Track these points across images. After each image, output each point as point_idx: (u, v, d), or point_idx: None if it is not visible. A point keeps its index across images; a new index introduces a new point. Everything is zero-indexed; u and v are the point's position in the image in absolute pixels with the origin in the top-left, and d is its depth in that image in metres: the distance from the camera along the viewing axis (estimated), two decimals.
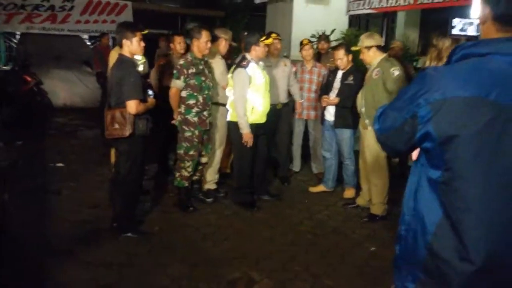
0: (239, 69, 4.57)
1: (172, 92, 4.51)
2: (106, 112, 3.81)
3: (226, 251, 3.81)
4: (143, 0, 12.04)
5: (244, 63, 4.59)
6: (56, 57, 10.58)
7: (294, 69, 5.71)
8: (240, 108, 4.54)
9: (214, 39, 4.84)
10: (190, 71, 4.42)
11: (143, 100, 3.80)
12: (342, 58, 4.95)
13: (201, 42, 4.45)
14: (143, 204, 4.54)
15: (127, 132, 3.70)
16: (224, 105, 4.93)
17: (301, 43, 5.79)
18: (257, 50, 4.62)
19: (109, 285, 3.22)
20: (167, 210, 4.64)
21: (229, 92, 4.77)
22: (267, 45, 4.91)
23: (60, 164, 5.95)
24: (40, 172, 5.58)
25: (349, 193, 5.20)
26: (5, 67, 11.94)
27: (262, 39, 4.68)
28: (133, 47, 3.81)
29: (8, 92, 9.45)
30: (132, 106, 3.67)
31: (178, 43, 5.64)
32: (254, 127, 4.69)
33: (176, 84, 4.46)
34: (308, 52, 5.71)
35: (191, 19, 12.75)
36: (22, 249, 3.61)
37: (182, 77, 4.41)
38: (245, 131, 4.57)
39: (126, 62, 3.79)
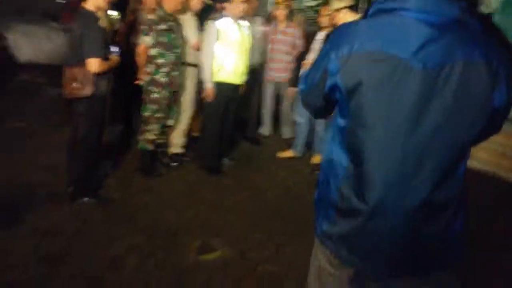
0: (209, 22, 4.39)
1: (140, 49, 4.23)
2: (66, 69, 3.53)
3: (187, 220, 3.67)
4: None
5: (216, 16, 4.36)
6: (20, 10, 9.99)
7: (266, 29, 5.49)
8: (204, 62, 4.38)
9: None
10: (160, 27, 4.15)
11: (105, 58, 3.54)
12: (329, 15, 4.65)
13: None
14: (104, 168, 4.34)
15: (88, 91, 3.46)
16: (194, 65, 4.70)
17: (275, 2, 5.52)
18: (230, 8, 4.39)
19: (53, 256, 2.99)
20: (129, 175, 4.44)
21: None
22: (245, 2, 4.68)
23: (20, 124, 5.65)
24: None
25: (317, 159, 5.09)
26: None
27: None
28: (98, 0, 3.49)
29: None
30: (93, 64, 3.41)
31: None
32: (225, 88, 4.50)
33: (145, 40, 4.18)
34: (282, 12, 5.46)
35: None
36: None
37: (151, 34, 4.14)
38: (206, 86, 4.42)
39: (88, 17, 3.47)
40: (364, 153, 1.34)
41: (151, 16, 4.22)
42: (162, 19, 4.17)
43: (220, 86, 4.49)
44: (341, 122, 1.41)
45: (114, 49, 3.67)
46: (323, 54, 1.40)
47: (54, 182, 3.99)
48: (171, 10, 4.22)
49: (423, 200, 1.31)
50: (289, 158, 5.24)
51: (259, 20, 5.42)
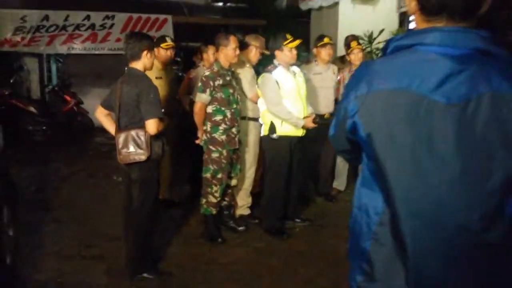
0: (264, 74, 4.12)
1: (197, 107, 4.01)
2: (118, 133, 3.33)
3: None
4: (183, 13, 11.74)
5: (270, 67, 4.10)
6: (97, 76, 10.50)
7: (338, 77, 5.09)
8: (280, 108, 4.05)
9: (244, 46, 4.34)
10: (217, 83, 3.91)
11: (161, 118, 3.32)
12: None
13: (229, 50, 3.95)
14: (166, 234, 4.03)
15: (144, 155, 3.23)
16: (254, 119, 4.39)
17: (349, 46, 5.14)
18: (281, 55, 4.12)
19: None
20: (191, 242, 4.09)
21: (260, 103, 4.22)
22: (323, 50, 4.68)
23: (94, 187, 5.61)
24: (65, 196, 5.25)
25: None
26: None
27: (286, 42, 4.11)
28: (146, 61, 3.34)
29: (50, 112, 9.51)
30: (153, 125, 3.20)
31: (212, 53, 5.13)
32: (287, 141, 4.13)
33: (201, 98, 3.96)
34: (358, 55, 5.07)
35: (233, 30, 12.36)
36: None
37: (208, 90, 3.91)
38: (302, 123, 4.12)
39: (141, 77, 3.33)
40: (394, 197, 1.23)
41: (207, 72, 3.99)
42: (218, 74, 3.92)
43: (282, 140, 4.13)
44: (369, 164, 1.32)
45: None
46: (345, 95, 1.36)
47: (117, 254, 3.69)
48: (228, 63, 3.98)
49: (473, 245, 1.18)
50: None
51: (333, 67, 5.06)
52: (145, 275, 3.41)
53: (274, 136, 4.13)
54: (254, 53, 4.43)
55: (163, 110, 3.44)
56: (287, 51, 4.11)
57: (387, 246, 1.27)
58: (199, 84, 4.01)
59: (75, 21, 10.25)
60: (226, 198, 4.26)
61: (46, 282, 3.37)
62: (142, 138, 3.23)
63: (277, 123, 4.11)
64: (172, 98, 4.70)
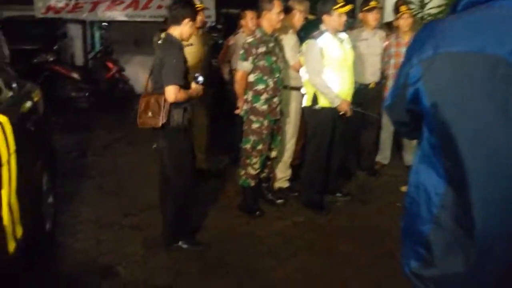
0: (308, 41, 3.86)
1: (238, 75, 3.86)
2: (142, 98, 3.30)
3: (291, 273, 3.11)
4: None
5: (315, 33, 3.84)
6: (138, 43, 10.47)
7: (385, 43, 4.78)
8: (320, 81, 3.82)
9: (287, 11, 4.10)
10: (259, 50, 3.73)
11: (184, 86, 3.20)
12: None
13: (273, 14, 3.72)
14: (202, 205, 3.98)
15: (160, 122, 3.14)
16: (297, 88, 4.20)
17: (398, 10, 4.80)
18: (330, 20, 3.83)
19: None
20: (229, 213, 4.02)
21: (303, 72, 4.01)
22: (369, 14, 4.41)
23: (130, 155, 5.61)
24: (105, 163, 5.28)
25: None
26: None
27: (336, 7, 3.83)
28: (185, 29, 3.22)
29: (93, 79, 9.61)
30: (171, 92, 3.09)
31: (251, 19, 4.93)
32: (330, 112, 3.93)
33: (243, 66, 3.79)
34: (407, 21, 4.74)
35: None
36: (59, 263, 3.23)
37: (250, 58, 3.73)
38: (338, 102, 3.86)
39: (172, 43, 3.23)
40: (465, 175, 1.09)
41: (249, 39, 3.80)
42: (261, 41, 3.73)
43: (324, 111, 3.91)
44: (431, 138, 1.17)
45: (198, 78, 3.34)
46: (405, 60, 1.21)
47: (154, 224, 3.65)
48: (271, 29, 3.77)
49: None
50: None
51: (380, 33, 4.74)
52: (181, 244, 3.38)
53: (317, 107, 3.93)
54: (297, 18, 4.20)
55: (200, 79, 3.32)
56: (336, 16, 3.83)
57: (447, 230, 1.16)
58: (241, 51, 3.84)
59: None
60: (266, 170, 4.13)
61: (83, 250, 3.38)
62: (160, 104, 3.14)
63: (320, 93, 3.90)
64: (207, 66, 4.53)
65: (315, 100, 3.93)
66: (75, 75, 9.23)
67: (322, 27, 3.89)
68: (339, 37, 3.94)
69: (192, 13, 3.27)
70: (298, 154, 4.59)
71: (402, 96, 1.21)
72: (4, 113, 2.41)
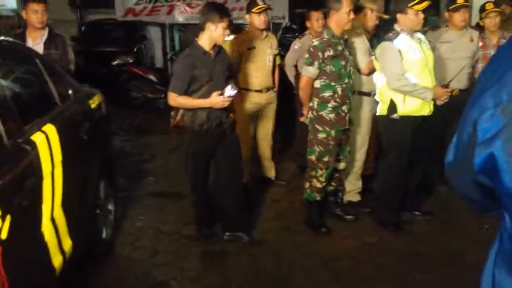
0: (383, 43, 3.46)
1: (303, 82, 3.56)
2: None
3: None
4: None
5: (390, 35, 3.42)
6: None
7: (481, 44, 4.23)
8: (403, 82, 3.40)
9: (358, 10, 3.73)
10: (327, 54, 3.41)
11: (190, 94, 3.23)
12: None
13: (341, 14, 3.38)
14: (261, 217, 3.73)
15: (172, 123, 3.37)
16: (368, 94, 3.82)
17: (483, 9, 4.25)
18: (405, 19, 3.41)
19: None
20: (292, 228, 3.73)
21: (377, 77, 3.62)
22: (456, 14, 3.93)
23: None
24: (171, 167, 5.21)
25: None
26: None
27: (411, 4, 3.38)
28: (216, 33, 3.20)
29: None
30: (168, 97, 3.27)
31: (316, 20, 4.62)
32: (410, 121, 3.51)
33: (308, 71, 3.49)
34: (495, 20, 4.20)
35: None
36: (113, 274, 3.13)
37: (316, 63, 3.42)
38: (431, 95, 3.45)
39: (188, 49, 3.35)
40: None
41: (315, 42, 3.48)
42: (329, 44, 3.40)
43: (404, 121, 3.49)
44: None
45: (227, 89, 3.17)
46: (475, 98, 0.80)
47: None
48: (340, 30, 3.43)
49: None
50: None
51: (473, 34, 4.18)
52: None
53: (395, 116, 3.50)
54: (369, 17, 3.81)
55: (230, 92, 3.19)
56: (412, 14, 3.38)
57: None
58: (306, 55, 3.53)
59: None
60: (333, 183, 3.80)
61: (139, 261, 3.28)
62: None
63: (399, 101, 3.46)
64: (270, 70, 4.26)
65: (392, 108, 3.50)
66: (152, 77, 9.39)
67: (397, 27, 3.47)
68: (417, 37, 3.49)
69: (215, 15, 3.20)
70: (370, 164, 4.20)
71: (466, 158, 0.80)
72: (51, 122, 2.31)
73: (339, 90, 3.45)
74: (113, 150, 3.90)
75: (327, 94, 3.46)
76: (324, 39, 3.44)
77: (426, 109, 3.53)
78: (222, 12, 3.26)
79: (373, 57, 3.62)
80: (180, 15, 10.38)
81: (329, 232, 3.62)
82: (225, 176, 3.45)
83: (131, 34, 10.28)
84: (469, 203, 0.97)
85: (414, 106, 3.48)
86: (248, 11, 4.11)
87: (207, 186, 3.54)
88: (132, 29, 10.34)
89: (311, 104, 3.56)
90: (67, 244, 2.42)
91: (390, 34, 3.45)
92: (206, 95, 3.20)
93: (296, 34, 9.55)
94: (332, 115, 3.48)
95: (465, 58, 4.12)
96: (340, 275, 3.07)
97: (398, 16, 3.45)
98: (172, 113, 3.35)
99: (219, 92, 3.17)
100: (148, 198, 4.35)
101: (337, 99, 3.47)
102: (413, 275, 3.06)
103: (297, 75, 4.57)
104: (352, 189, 4.03)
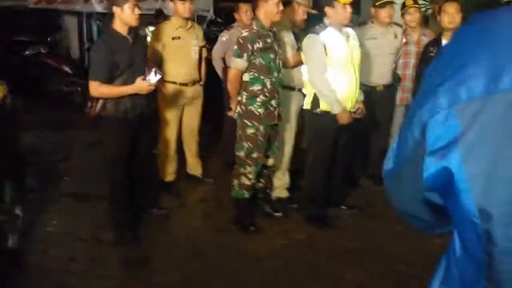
0: (309, 35, 3.39)
1: (231, 74, 3.44)
2: None
3: None
4: None
5: (318, 27, 3.37)
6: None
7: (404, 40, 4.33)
8: (321, 81, 3.34)
9: (286, 4, 3.66)
10: (256, 46, 3.30)
11: (111, 80, 3.08)
12: (456, 14, 3.72)
13: (270, 5, 3.30)
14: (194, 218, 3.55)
15: (91, 112, 3.14)
16: (297, 89, 3.77)
17: (403, 5, 4.36)
18: (332, 13, 3.35)
19: None
20: (220, 228, 3.59)
21: (304, 71, 3.56)
22: (382, 10, 4.01)
23: None
24: (88, 166, 4.85)
25: None
26: None
27: None
28: (124, 15, 3.08)
29: None
30: (91, 87, 3.08)
31: (244, 12, 4.51)
32: (333, 117, 3.45)
33: (237, 64, 3.37)
34: (414, 16, 4.30)
35: None
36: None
37: (245, 55, 3.30)
38: (337, 110, 3.37)
39: (102, 34, 3.20)
40: None
41: (244, 33, 3.36)
42: (258, 36, 3.29)
43: (327, 116, 3.44)
44: (465, 250, 0.65)
45: (151, 75, 3.07)
46: (420, 95, 0.68)
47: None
48: (269, 22, 3.33)
49: None
50: None
51: (396, 30, 4.26)
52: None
53: (318, 111, 3.47)
54: (297, 11, 3.76)
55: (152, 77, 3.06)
56: (340, 8, 3.35)
57: None
58: (235, 47, 3.40)
59: None
60: (262, 180, 3.71)
61: (52, 270, 2.97)
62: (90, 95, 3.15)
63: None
64: (196, 62, 4.09)
65: (316, 102, 3.46)
66: (67, 69, 8.78)
67: (326, 21, 3.43)
68: (345, 32, 3.48)
69: None
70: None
71: (411, 170, 0.69)
72: None
73: (268, 84, 3.36)
74: (22, 148, 3.51)
75: (256, 88, 3.36)
76: (254, 30, 3.34)
77: (348, 105, 3.51)
78: None
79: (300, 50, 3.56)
80: (99, 4, 9.77)
81: (258, 231, 3.52)
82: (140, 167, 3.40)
83: (45, 23, 9.55)
84: (410, 220, 0.84)
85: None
86: None
87: (128, 185, 3.30)
88: (46, 18, 9.60)
89: (239, 98, 3.44)
90: None
91: (317, 27, 3.39)
92: (129, 81, 3.08)
93: (222, 28, 9.45)
94: (261, 110, 3.39)
95: (389, 54, 4.22)
96: (270, 276, 2.97)
97: (326, 9, 3.40)
98: (89, 102, 3.14)
99: (143, 77, 3.05)
100: (62, 200, 4.00)
101: (266, 93, 3.38)
102: (343, 274, 3.02)
103: (225, 68, 4.44)
104: (280, 184, 3.97)
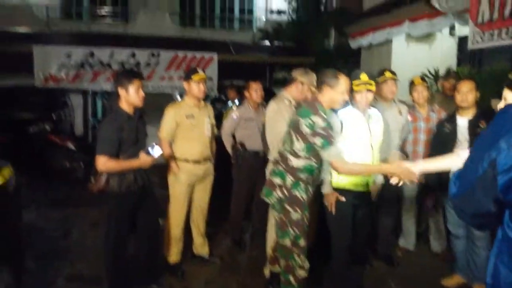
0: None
1: (338, 165, 3.02)
2: None
3: None
4: (229, 51, 11.40)
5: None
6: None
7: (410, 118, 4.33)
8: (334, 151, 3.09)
9: (289, 82, 3.81)
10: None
11: (117, 156, 3.19)
12: (469, 93, 3.69)
13: (337, 92, 3.11)
14: None
15: (95, 188, 3.23)
16: None
17: (412, 83, 4.42)
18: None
19: None
20: None
21: None
22: (384, 86, 4.04)
23: None
24: (89, 245, 4.66)
25: None
26: None
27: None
28: (129, 96, 3.25)
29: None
30: (98, 162, 3.15)
31: (255, 91, 4.60)
32: (350, 195, 3.33)
33: (334, 152, 3.03)
34: (422, 94, 4.35)
35: (280, 68, 11.94)
36: None
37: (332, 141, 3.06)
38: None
39: (111, 114, 3.32)
40: None
41: (321, 122, 3.07)
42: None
43: (344, 194, 3.32)
44: None
45: (154, 149, 3.24)
46: (485, 144, 1.14)
47: None
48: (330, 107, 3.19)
49: None
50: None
51: (400, 107, 4.28)
52: None
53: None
54: (300, 90, 3.73)
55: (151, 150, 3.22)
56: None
57: None
58: (319, 138, 2.99)
59: (120, 59, 10.08)
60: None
61: None
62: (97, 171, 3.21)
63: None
64: (209, 140, 4.06)
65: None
66: (70, 145, 8.81)
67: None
68: (369, 113, 3.42)
69: (123, 80, 3.26)
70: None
71: (487, 185, 1.11)
72: None
73: (317, 171, 3.23)
74: (21, 229, 3.39)
75: (305, 175, 3.16)
76: (324, 116, 3.06)
77: (365, 185, 3.39)
78: (128, 75, 3.34)
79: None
80: (105, 83, 10.04)
81: None
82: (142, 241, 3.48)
83: (51, 101, 9.71)
84: (476, 220, 1.27)
85: (351, 181, 3.32)
86: (187, 78, 3.93)
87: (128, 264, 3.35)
88: (52, 95, 9.79)
89: (279, 181, 3.18)
90: None
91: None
92: (132, 156, 3.22)
93: (225, 105, 9.64)
94: (305, 195, 3.17)
95: (394, 131, 4.15)
96: None
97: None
98: (93, 178, 3.24)
99: (144, 152, 3.21)
100: (62, 283, 3.78)
101: (310, 181, 3.21)
102: None
103: (235, 145, 4.47)
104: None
